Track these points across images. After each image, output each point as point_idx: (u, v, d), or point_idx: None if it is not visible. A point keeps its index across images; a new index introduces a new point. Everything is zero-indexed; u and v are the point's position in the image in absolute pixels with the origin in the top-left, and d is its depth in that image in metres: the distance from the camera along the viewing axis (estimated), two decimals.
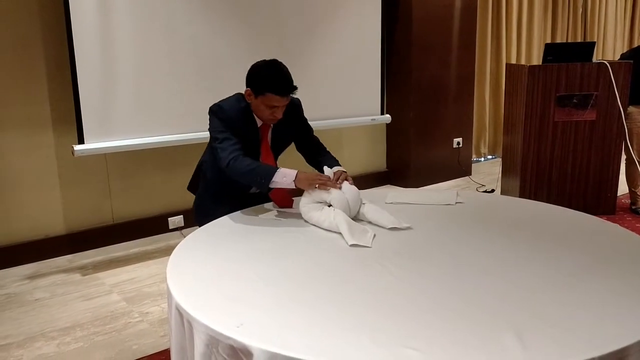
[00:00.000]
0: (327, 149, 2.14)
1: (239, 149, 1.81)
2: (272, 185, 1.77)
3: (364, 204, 1.79)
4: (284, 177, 1.76)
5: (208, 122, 1.93)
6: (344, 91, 3.92)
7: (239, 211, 1.93)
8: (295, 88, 1.82)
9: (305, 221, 1.79)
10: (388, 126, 4.82)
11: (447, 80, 4.75)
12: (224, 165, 1.77)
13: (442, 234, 1.69)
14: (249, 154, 1.90)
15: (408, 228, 1.72)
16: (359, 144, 4.71)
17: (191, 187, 2.18)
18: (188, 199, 3.26)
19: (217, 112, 1.87)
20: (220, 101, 1.92)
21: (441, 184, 4.82)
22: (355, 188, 1.82)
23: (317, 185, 1.76)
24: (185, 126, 3.31)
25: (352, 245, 1.57)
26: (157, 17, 3.11)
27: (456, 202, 2.00)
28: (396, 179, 4.85)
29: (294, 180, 1.76)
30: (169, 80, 3.24)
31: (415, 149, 4.72)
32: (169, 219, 3.64)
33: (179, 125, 3.31)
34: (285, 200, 1.89)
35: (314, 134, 2.15)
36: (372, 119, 4.17)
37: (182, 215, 3.66)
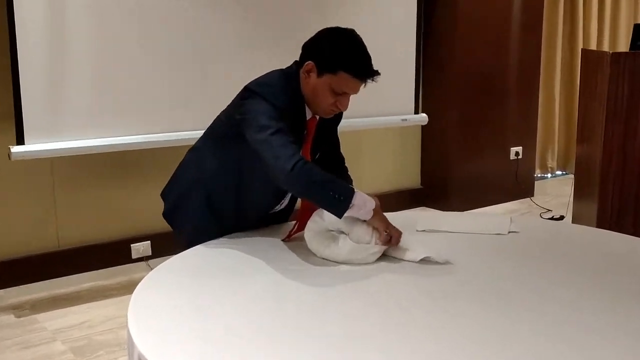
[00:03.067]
0: (347, 169, 2.18)
1: (299, 151, 1.78)
2: (348, 212, 1.71)
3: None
4: (364, 203, 1.72)
5: (237, 104, 1.88)
6: (368, 83, 3.77)
7: (233, 234, 1.94)
8: (378, 74, 1.80)
9: (313, 253, 1.81)
10: (424, 129, 4.81)
11: (504, 71, 4.76)
12: (287, 167, 1.70)
13: (488, 272, 1.70)
14: None
15: (446, 262, 1.73)
16: (385, 152, 4.72)
17: (168, 194, 2.15)
18: (157, 220, 3.28)
19: (263, 90, 1.81)
20: (264, 78, 1.89)
21: (492, 208, 4.82)
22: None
23: (378, 237, 1.73)
24: (156, 124, 3.31)
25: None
26: None
27: (509, 232, 2.00)
28: (433, 200, 4.84)
29: (373, 209, 1.74)
30: (137, 67, 3.24)
31: (458, 161, 4.74)
32: (132, 245, 3.65)
33: (148, 124, 3.30)
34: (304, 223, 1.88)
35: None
36: (402, 120, 4.21)
37: (149, 241, 3.66)
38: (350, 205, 1.70)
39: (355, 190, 1.73)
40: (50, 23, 2.99)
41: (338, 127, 2.10)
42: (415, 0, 4.06)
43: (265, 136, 1.74)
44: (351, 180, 2.10)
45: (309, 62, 1.81)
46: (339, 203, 1.70)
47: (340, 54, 1.77)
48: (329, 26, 1.80)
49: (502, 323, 1.41)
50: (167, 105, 3.35)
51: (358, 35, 1.83)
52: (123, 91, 3.24)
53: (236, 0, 3.42)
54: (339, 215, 1.70)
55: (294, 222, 1.98)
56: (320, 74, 1.79)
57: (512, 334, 1.36)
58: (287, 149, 1.72)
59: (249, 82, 1.89)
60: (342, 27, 1.83)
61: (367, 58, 1.80)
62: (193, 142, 2.08)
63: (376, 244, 1.71)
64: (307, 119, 1.90)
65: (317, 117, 1.92)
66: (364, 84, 1.81)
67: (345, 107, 1.84)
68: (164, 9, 3.25)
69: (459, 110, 4.69)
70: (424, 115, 4.40)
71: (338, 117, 2.04)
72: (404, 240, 1.78)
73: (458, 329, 1.38)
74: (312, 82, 1.81)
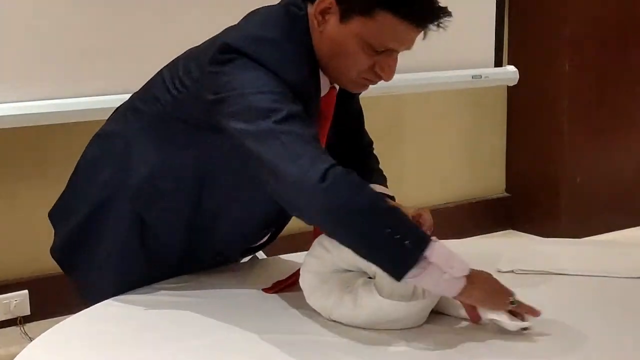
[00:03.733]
0: (373, 152, 2.15)
1: (326, 150, 1.73)
2: (416, 274, 1.59)
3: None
4: (451, 257, 1.60)
5: (205, 72, 1.80)
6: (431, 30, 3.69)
7: (178, 278, 1.94)
8: (447, 14, 1.75)
9: (317, 313, 1.74)
10: (512, 95, 4.44)
11: None
12: (313, 175, 1.60)
13: (616, 344, 1.64)
14: None
15: (521, 331, 1.70)
16: (444, 134, 4.39)
17: (61, 214, 2.08)
18: (42, 255, 2.86)
19: (265, 57, 1.74)
20: (256, 25, 1.83)
21: (633, 231, 4.52)
22: None
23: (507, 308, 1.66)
24: (42, 87, 3.08)
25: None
26: None
27: None
28: (527, 218, 4.52)
29: (465, 276, 1.60)
30: None
31: (572, 153, 4.41)
32: (1, 297, 3.40)
33: (32, 85, 3.08)
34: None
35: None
36: (474, 77, 3.82)
37: (26, 291, 3.42)
38: (422, 258, 1.58)
39: (429, 238, 1.63)
40: None
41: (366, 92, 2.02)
42: None
43: (269, 125, 1.66)
44: (382, 174, 2.07)
45: None
46: (408, 255, 1.59)
47: None
48: None
49: None
50: (63, 56, 3.13)
51: None
52: None
53: None
54: (400, 275, 1.60)
55: (281, 258, 2.08)
56: (344, 17, 1.73)
57: None
58: (313, 145, 1.66)
59: (224, 29, 1.86)
60: None
61: None
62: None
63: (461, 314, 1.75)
64: (323, 94, 1.85)
65: (337, 87, 1.87)
66: (422, 33, 1.77)
67: (391, 76, 1.78)
68: None
69: (574, 63, 4.27)
70: (512, 69, 3.92)
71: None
72: None
73: None
74: (330, 31, 1.76)
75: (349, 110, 2.02)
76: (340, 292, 1.66)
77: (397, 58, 1.78)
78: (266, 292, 1.84)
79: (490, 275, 1.67)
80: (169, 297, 1.85)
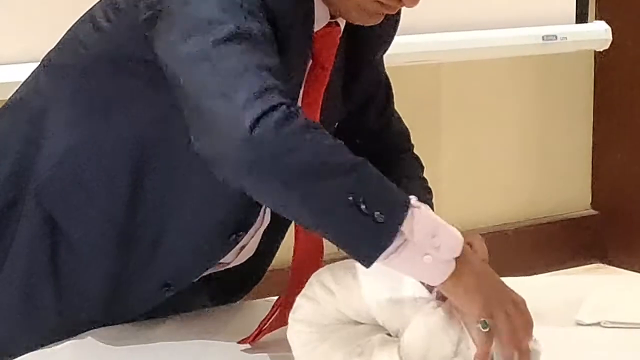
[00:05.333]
0: (415, 153, 1.89)
1: (286, 90, 1.45)
2: (396, 253, 1.35)
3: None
4: (437, 228, 1.38)
5: None
6: None
7: (109, 328, 1.76)
8: None
9: None
10: (602, 63, 3.85)
11: None
12: (243, 121, 1.35)
13: None
14: None
15: None
16: (501, 122, 3.81)
17: None
18: None
19: None
20: None
21: None
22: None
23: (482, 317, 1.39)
24: None
25: None
26: None
27: None
28: (624, 245, 3.93)
29: (456, 258, 1.37)
30: None
31: None
32: None
33: None
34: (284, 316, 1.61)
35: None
36: (545, 38, 3.31)
37: None
38: (399, 232, 1.34)
39: (409, 201, 1.38)
40: None
41: (396, 53, 1.95)
42: None
43: (203, 44, 1.43)
44: (424, 182, 1.80)
45: None
46: (376, 227, 1.36)
47: None
48: None
49: None
50: None
51: None
52: None
53: None
54: (370, 259, 1.38)
55: (266, 301, 1.80)
56: None
57: None
58: (254, 77, 1.40)
59: None
60: None
61: None
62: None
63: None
64: (317, 29, 1.58)
65: (341, 24, 1.62)
66: None
67: (394, 9, 1.57)
68: None
69: None
70: (602, 26, 3.35)
71: (390, 26, 1.75)
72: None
73: None
74: None
75: (367, 78, 1.79)
76: (345, 355, 1.40)
77: None
78: (244, 343, 1.63)
79: (490, 271, 1.46)
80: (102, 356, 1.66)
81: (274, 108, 1.32)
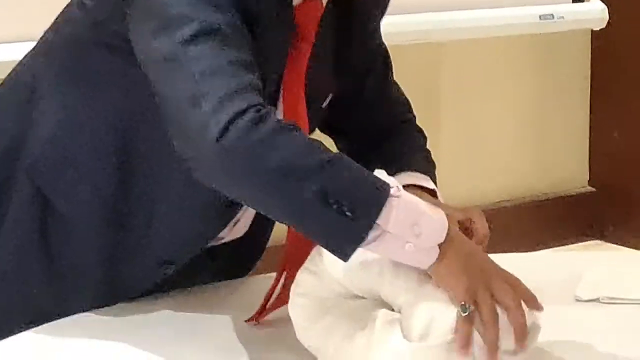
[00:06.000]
0: (417, 125, 1.87)
1: (259, 87, 1.45)
2: (372, 233, 1.34)
3: None
4: (419, 217, 1.38)
5: None
6: None
7: (115, 307, 1.72)
8: None
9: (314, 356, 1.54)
10: (598, 43, 3.94)
11: None
12: (213, 128, 1.36)
13: None
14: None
15: None
16: (499, 102, 3.87)
17: None
18: None
19: None
20: None
21: None
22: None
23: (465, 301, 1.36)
24: None
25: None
26: None
27: None
28: (622, 222, 3.99)
29: (440, 245, 1.36)
30: None
31: None
32: None
33: None
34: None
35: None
36: (542, 17, 3.37)
37: None
38: (373, 227, 1.34)
39: (389, 190, 1.35)
40: None
41: (385, 38, 1.88)
42: None
43: (170, 45, 1.43)
44: (426, 154, 1.79)
45: None
46: (349, 223, 1.36)
47: None
48: None
49: None
50: None
51: None
52: None
53: None
54: (346, 254, 1.38)
55: (269, 277, 1.73)
56: None
57: None
58: (222, 79, 1.41)
59: None
60: None
61: None
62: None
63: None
64: (297, 2, 1.60)
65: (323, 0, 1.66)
66: None
67: None
68: None
69: None
70: (599, 5, 3.41)
71: (376, 2, 1.78)
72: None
73: None
74: None
75: (360, 44, 1.78)
76: (348, 330, 1.38)
77: None
78: (249, 322, 1.60)
79: (475, 249, 1.46)
80: (107, 336, 1.59)
81: (243, 112, 1.33)
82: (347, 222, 1.31)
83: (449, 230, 1.35)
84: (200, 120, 1.35)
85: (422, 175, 1.61)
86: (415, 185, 1.59)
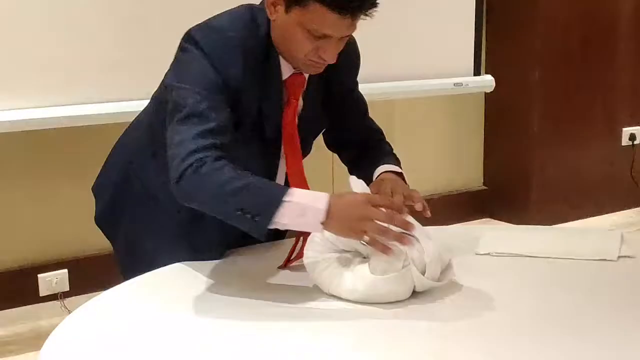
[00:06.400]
0: (387, 143, 2.14)
1: (215, 145, 1.75)
2: (274, 226, 1.68)
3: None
4: (302, 213, 1.67)
5: (175, 60, 1.89)
6: (404, 30, 3.88)
7: (194, 262, 1.92)
8: (373, 5, 1.77)
9: (318, 287, 1.75)
10: (489, 100, 4.68)
11: (614, 13, 4.60)
12: (173, 175, 1.72)
13: (583, 320, 1.65)
14: (257, 140, 1.90)
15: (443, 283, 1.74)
16: (430, 134, 4.60)
17: (101, 184, 2.16)
18: (79, 237, 3.33)
19: (204, 40, 1.82)
20: (213, 18, 1.89)
21: (594, 220, 4.68)
22: (428, 231, 1.74)
23: (366, 232, 1.65)
24: (82, 91, 3.20)
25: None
26: None
27: (620, 257, 1.98)
28: (502, 208, 4.72)
29: (321, 223, 1.64)
30: (45, 9, 3.12)
31: (541, 149, 4.58)
32: (40, 276, 3.51)
33: (70, 91, 3.19)
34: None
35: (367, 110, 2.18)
36: (456, 85, 4.02)
37: (65, 270, 3.54)
38: (273, 220, 1.64)
39: (287, 189, 1.68)
40: None
41: (359, 86, 2.09)
42: None
43: (173, 123, 1.77)
44: (390, 153, 2.09)
45: None
46: (257, 220, 1.66)
47: None
48: None
49: None
50: (98, 66, 3.25)
51: None
52: (20, 45, 3.15)
53: None
54: (259, 235, 1.69)
55: (292, 240, 1.94)
56: (288, 8, 1.78)
57: None
58: (185, 146, 1.71)
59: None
60: None
61: None
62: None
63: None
64: (286, 77, 1.88)
65: (305, 75, 1.90)
66: (351, 20, 1.76)
67: (332, 58, 1.81)
68: None
69: (544, 71, 4.50)
70: (489, 77, 4.15)
71: (350, 61, 2.00)
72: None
73: None
74: (279, 20, 1.81)
75: (343, 97, 2.09)
76: (340, 270, 1.73)
77: (338, 42, 1.86)
78: (281, 268, 1.93)
79: (353, 202, 1.72)
80: (199, 271, 1.95)
81: (192, 164, 1.72)
82: (257, 224, 1.70)
83: (330, 205, 1.67)
84: (172, 170, 1.75)
85: (395, 166, 2.02)
86: (392, 172, 2.00)
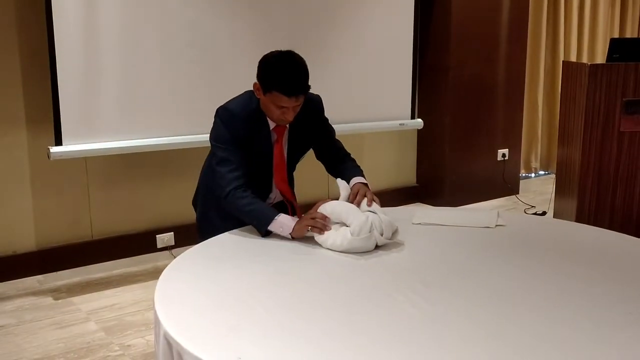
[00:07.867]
0: (351, 156, 2.19)
1: (238, 177, 1.89)
2: (269, 229, 1.87)
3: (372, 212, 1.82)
4: (281, 227, 1.86)
5: (212, 126, 2.01)
6: (369, 90, 4.00)
7: (241, 228, 1.99)
8: (306, 89, 1.86)
9: (319, 244, 1.85)
10: (419, 133, 4.82)
11: (493, 80, 4.78)
12: (222, 195, 1.90)
13: (475, 262, 1.72)
14: (260, 163, 2.00)
15: (388, 241, 1.77)
16: (384, 153, 4.72)
17: (196, 202, 2.27)
18: (180, 213, 3.48)
19: (222, 115, 1.94)
20: (229, 101, 1.99)
21: (481, 204, 4.82)
22: (379, 208, 1.86)
23: (309, 228, 1.84)
24: (180, 128, 3.36)
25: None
26: (149, 1, 3.17)
27: (497, 225, 2.03)
28: (427, 196, 4.86)
29: (290, 233, 1.85)
30: (162, 74, 3.28)
31: (451, 161, 4.75)
32: (157, 236, 3.71)
33: (172, 127, 3.35)
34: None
35: (337, 138, 2.22)
36: (400, 124, 4.21)
37: (172, 233, 3.73)
38: (265, 229, 1.85)
39: (277, 214, 1.82)
40: (86, 37, 3.02)
41: (340, 131, 2.17)
42: (412, 13, 4.07)
43: (213, 164, 1.93)
44: (358, 168, 2.13)
45: (255, 82, 1.93)
46: (260, 230, 1.87)
47: (269, 76, 1.85)
48: (325, 37, 2.03)
49: (485, 310, 1.42)
50: (188, 110, 3.38)
51: (295, 56, 1.88)
52: (148, 98, 3.28)
53: (251, 11, 3.48)
54: (261, 233, 1.86)
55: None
56: (264, 92, 1.90)
57: (494, 321, 1.37)
58: (223, 180, 1.88)
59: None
60: (284, 49, 1.90)
61: (297, 76, 1.84)
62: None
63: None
64: (272, 127, 1.98)
65: (286, 125, 1.99)
66: (296, 98, 1.86)
67: (290, 118, 1.91)
68: (184, 21, 3.31)
69: (452, 115, 4.68)
70: (420, 120, 4.38)
71: (315, 110, 2.07)
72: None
73: (442, 318, 1.40)
74: (262, 98, 1.92)
75: (321, 130, 2.11)
76: (334, 233, 1.78)
77: (293, 109, 1.88)
78: (293, 233, 1.92)
79: (303, 219, 1.80)
80: (239, 237, 1.94)
81: (228, 193, 1.87)
82: (258, 228, 1.85)
83: (296, 224, 1.80)
84: (219, 189, 1.90)
85: (361, 177, 2.03)
86: (360, 183, 1.97)
